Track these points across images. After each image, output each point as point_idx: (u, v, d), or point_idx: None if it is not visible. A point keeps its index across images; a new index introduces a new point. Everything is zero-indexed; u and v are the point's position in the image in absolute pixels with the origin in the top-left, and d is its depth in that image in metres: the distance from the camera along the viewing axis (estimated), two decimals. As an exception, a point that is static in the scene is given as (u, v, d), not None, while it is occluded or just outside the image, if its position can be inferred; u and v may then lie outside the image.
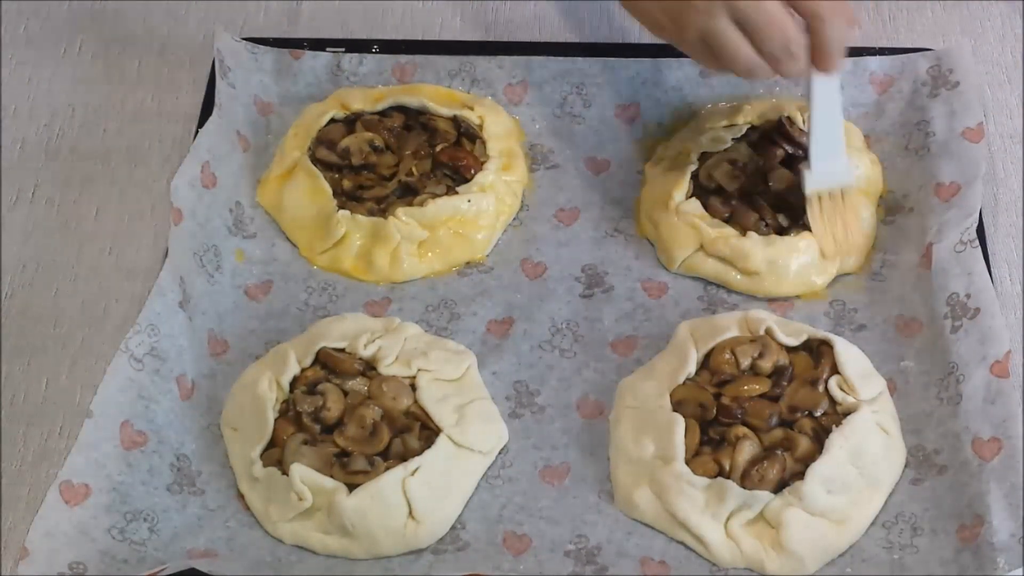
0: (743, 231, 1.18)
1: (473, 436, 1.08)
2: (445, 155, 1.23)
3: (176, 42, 1.37)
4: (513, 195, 1.24)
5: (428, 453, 1.05)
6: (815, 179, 1.16)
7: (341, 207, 1.20)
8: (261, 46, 1.30)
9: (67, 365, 1.15)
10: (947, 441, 1.07)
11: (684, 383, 1.09)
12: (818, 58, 1.08)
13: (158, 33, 1.38)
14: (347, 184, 1.22)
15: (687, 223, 1.18)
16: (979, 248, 1.14)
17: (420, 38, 1.36)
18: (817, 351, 1.10)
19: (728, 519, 1.03)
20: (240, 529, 1.06)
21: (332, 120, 1.26)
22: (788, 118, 1.23)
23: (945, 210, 1.18)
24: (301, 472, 1.04)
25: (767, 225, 1.18)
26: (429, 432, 1.07)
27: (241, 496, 1.07)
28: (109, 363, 1.07)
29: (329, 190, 1.21)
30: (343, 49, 1.31)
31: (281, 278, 1.20)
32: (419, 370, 1.10)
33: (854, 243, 1.18)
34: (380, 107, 1.26)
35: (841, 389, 1.07)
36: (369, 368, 1.11)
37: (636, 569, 1.03)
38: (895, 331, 1.15)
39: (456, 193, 1.21)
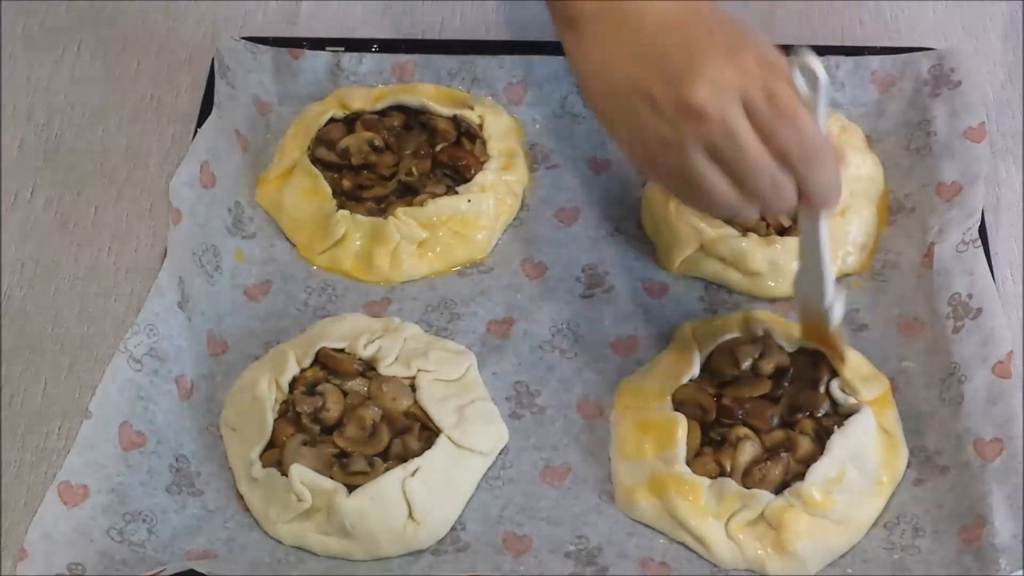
0: (744, 231, 1.17)
1: (473, 437, 1.07)
2: (445, 155, 1.23)
3: (176, 42, 1.37)
4: (513, 195, 1.23)
5: (428, 454, 1.05)
6: (836, 314, 1.05)
7: (341, 207, 1.20)
8: (261, 46, 1.30)
9: (66, 365, 1.15)
10: (949, 442, 1.07)
11: (685, 384, 1.09)
12: (810, 203, 0.96)
13: (157, 33, 1.38)
14: (347, 184, 1.22)
15: (687, 223, 1.18)
16: (981, 248, 1.14)
17: (420, 38, 1.36)
18: (818, 352, 1.10)
19: (729, 520, 1.03)
20: (239, 530, 1.06)
21: (332, 120, 1.25)
22: (789, 118, 1.22)
23: (947, 210, 1.18)
24: (301, 473, 1.03)
25: (768, 225, 1.18)
26: (429, 433, 1.07)
27: (240, 497, 1.07)
28: (108, 363, 1.07)
29: (329, 190, 1.21)
30: (343, 49, 1.31)
31: (281, 278, 1.20)
32: (419, 370, 1.10)
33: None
34: (380, 107, 1.26)
35: (842, 390, 1.07)
36: (369, 368, 1.10)
37: (637, 570, 1.03)
38: (896, 331, 1.15)
39: (456, 193, 1.21)
